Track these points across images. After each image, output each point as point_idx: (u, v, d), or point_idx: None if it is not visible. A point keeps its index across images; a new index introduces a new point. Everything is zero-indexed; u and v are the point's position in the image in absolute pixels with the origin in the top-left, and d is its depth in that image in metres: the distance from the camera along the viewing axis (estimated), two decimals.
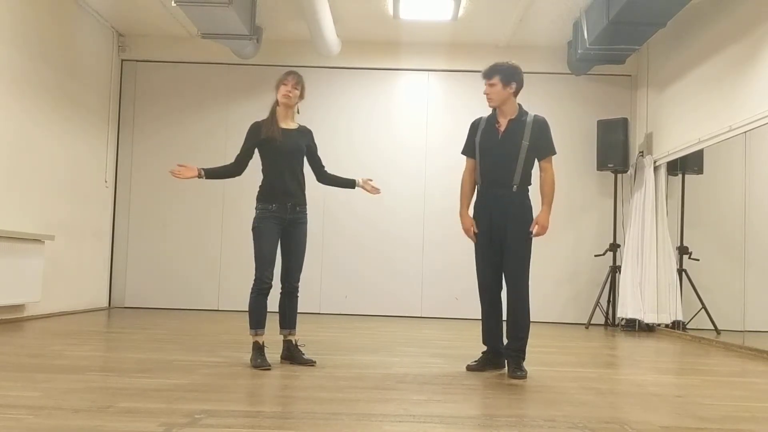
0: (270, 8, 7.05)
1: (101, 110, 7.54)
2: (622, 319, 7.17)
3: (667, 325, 6.79)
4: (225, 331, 5.59)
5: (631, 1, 5.73)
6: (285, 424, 2.45)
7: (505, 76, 3.83)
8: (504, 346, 3.89)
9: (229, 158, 4.02)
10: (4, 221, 5.66)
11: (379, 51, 7.94)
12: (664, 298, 6.77)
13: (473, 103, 6.30)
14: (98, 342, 4.81)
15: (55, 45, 6.45)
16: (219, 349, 4.43)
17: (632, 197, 7.38)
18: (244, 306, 3.89)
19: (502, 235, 3.83)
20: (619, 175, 7.60)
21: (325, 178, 4.15)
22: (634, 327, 7.01)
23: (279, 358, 3.93)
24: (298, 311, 4.03)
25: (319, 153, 4.12)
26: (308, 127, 4.09)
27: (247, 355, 3.85)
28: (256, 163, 3.95)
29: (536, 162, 3.93)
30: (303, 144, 3.98)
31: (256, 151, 3.95)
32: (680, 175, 7.02)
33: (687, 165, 6.87)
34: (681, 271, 6.73)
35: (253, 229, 3.86)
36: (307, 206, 4.00)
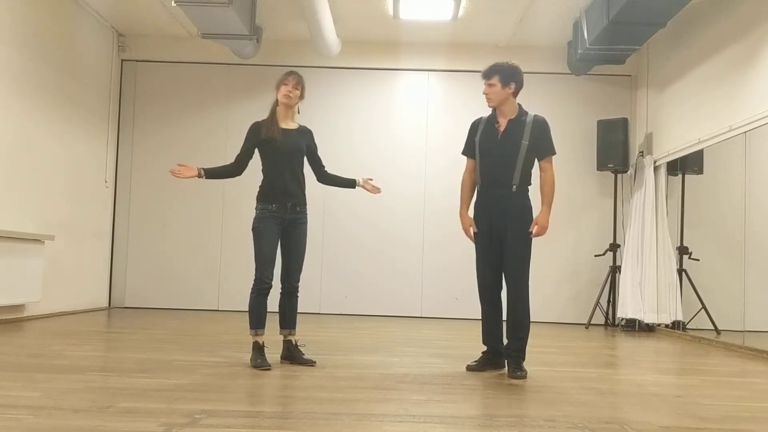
0: (270, 8, 7.05)
1: (101, 110, 7.54)
2: (622, 319, 7.17)
3: (667, 325, 6.79)
4: (225, 331, 5.59)
5: (631, 1, 5.74)
6: (285, 424, 2.45)
7: (504, 76, 3.83)
8: (504, 346, 3.89)
9: (229, 158, 4.02)
10: (4, 221, 5.66)
11: (379, 51, 7.94)
12: (664, 298, 6.77)
13: (473, 103, 6.30)
14: (98, 342, 4.81)
15: (55, 45, 6.45)
16: (219, 349, 4.43)
17: (632, 197, 7.38)
18: (244, 306, 3.89)
19: (502, 235, 3.83)
20: (619, 175, 7.60)
21: (325, 178, 4.15)
22: (634, 327, 7.01)
23: (279, 358, 3.93)
24: (298, 311, 4.03)
25: (319, 153, 4.12)
26: (308, 127, 4.09)
27: (247, 355, 3.85)
28: (256, 163, 3.95)
29: (536, 162, 3.93)
30: (303, 144, 3.98)
31: (256, 151, 3.95)
32: (680, 175, 7.02)
33: (687, 165, 6.87)
34: (681, 271, 6.73)
35: (253, 229, 3.86)
36: (307, 206, 4.00)
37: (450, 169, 6.72)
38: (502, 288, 3.93)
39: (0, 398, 2.72)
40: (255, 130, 3.93)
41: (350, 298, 7.80)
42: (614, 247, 7.41)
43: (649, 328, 6.93)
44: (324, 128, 7.13)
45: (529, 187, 3.89)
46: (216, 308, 7.82)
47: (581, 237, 7.80)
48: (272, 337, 3.94)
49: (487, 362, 3.92)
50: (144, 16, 7.36)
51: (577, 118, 7.83)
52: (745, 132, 5.53)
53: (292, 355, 3.93)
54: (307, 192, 3.99)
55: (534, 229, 3.80)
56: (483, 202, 3.91)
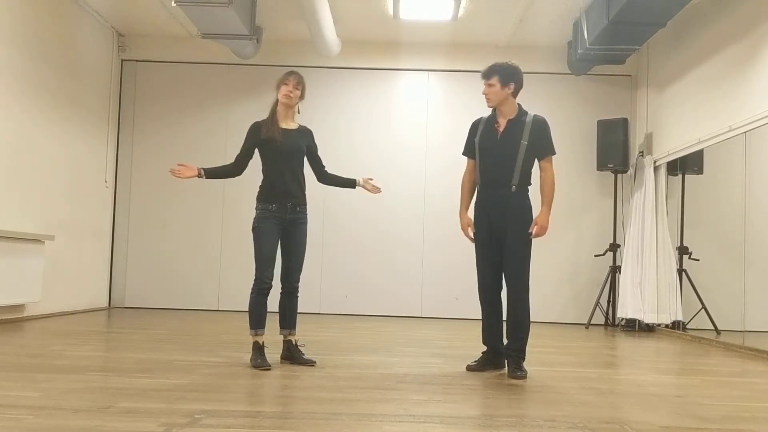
0: (270, 8, 7.05)
1: (101, 110, 7.54)
2: (622, 319, 7.17)
3: (667, 325, 6.79)
4: (225, 331, 5.59)
5: (631, 1, 5.74)
6: (285, 424, 2.45)
7: (504, 76, 3.83)
8: (504, 346, 3.89)
9: (229, 158, 4.02)
10: (4, 221, 5.66)
11: (379, 51, 7.94)
12: (664, 298, 6.77)
13: (473, 103, 6.30)
14: (98, 342, 4.81)
15: (55, 45, 6.45)
16: (219, 349, 4.43)
17: (632, 197, 7.38)
18: (244, 306, 3.89)
19: (501, 235, 3.83)
20: (619, 175, 7.60)
21: (325, 178, 4.15)
22: (634, 327, 7.01)
23: (279, 358, 3.93)
24: (298, 311, 4.03)
25: (319, 153, 4.12)
26: (308, 127, 4.09)
27: (247, 355, 3.85)
28: (256, 163, 3.95)
29: (537, 162, 3.93)
30: (303, 144, 3.98)
31: (256, 151, 3.95)
32: (680, 175, 7.02)
33: (687, 165, 6.87)
34: (681, 271, 6.73)
35: (253, 229, 3.86)
36: (307, 206, 4.00)
37: (450, 169, 6.72)
38: (502, 288, 3.93)
39: (0, 398, 2.72)
40: (255, 130, 3.93)
41: (350, 298, 7.80)
42: (614, 247, 7.41)
43: (649, 328, 6.93)
44: (324, 128, 7.13)
45: (529, 187, 3.89)
46: (216, 308, 7.82)
47: (581, 237, 7.80)
48: (272, 337, 3.94)
49: (487, 362, 3.92)
50: (144, 16, 7.36)
51: (577, 118, 7.83)
52: (745, 132, 5.53)
53: (292, 355, 3.93)
54: (307, 192, 3.99)
55: (534, 230, 3.80)
56: (483, 202, 3.92)
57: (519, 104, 3.93)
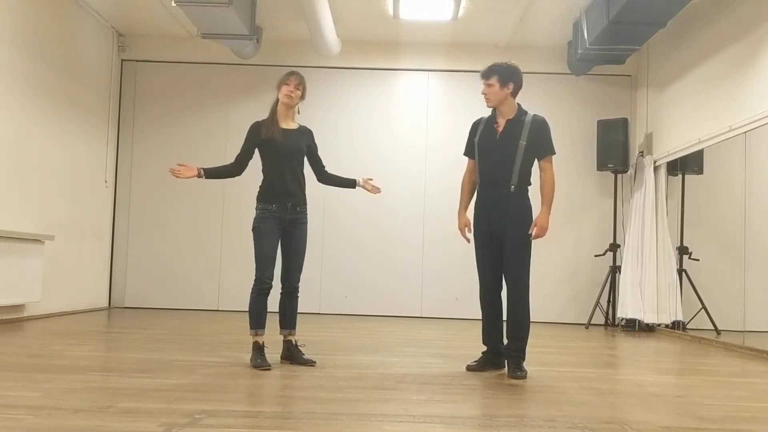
0: (270, 8, 7.05)
1: (101, 110, 7.54)
2: (622, 319, 7.17)
3: (667, 325, 6.78)
4: (225, 331, 5.59)
5: (631, 1, 5.73)
6: (285, 424, 2.45)
7: (503, 76, 3.83)
8: (504, 346, 3.89)
9: (229, 158, 4.02)
10: (4, 221, 5.66)
11: (379, 51, 7.94)
12: (664, 298, 6.77)
13: (473, 103, 6.30)
14: (98, 342, 4.81)
15: (55, 45, 6.45)
16: (219, 349, 4.43)
17: (632, 197, 7.38)
18: (244, 306, 3.89)
19: (501, 236, 3.83)
20: (619, 175, 7.60)
21: (325, 178, 4.15)
22: (634, 327, 7.00)
23: (279, 358, 3.93)
24: (298, 311, 4.03)
25: (319, 153, 4.12)
26: (308, 127, 4.09)
27: (247, 355, 3.85)
28: (256, 163, 3.95)
29: (537, 162, 3.93)
30: (303, 144, 3.98)
31: (257, 151, 3.95)
32: (680, 175, 7.02)
33: (687, 165, 6.87)
34: (681, 271, 6.73)
35: (254, 229, 3.86)
36: (307, 206, 4.00)
37: (450, 169, 6.73)
38: (502, 288, 3.93)
39: (0, 398, 2.72)
40: (255, 130, 3.93)
41: (350, 298, 7.81)
42: (614, 247, 7.41)
43: (649, 328, 6.93)
44: (324, 128, 7.13)
45: (529, 187, 3.89)
46: (216, 308, 7.82)
47: (581, 237, 7.80)
48: (272, 337, 3.94)
49: (487, 362, 3.92)
50: (144, 16, 7.36)
51: (577, 118, 7.83)
52: (745, 132, 5.53)
53: (292, 355, 3.93)
54: (307, 192, 3.99)
55: (533, 231, 3.80)
56: (482, 202, 3.92)
57: (519, 104, 3.93)
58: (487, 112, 4.03)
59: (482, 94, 3.91)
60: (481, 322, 4.00)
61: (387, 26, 7.46)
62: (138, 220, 7.93)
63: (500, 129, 3.88)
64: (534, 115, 3.90)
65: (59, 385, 3.02)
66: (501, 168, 3.84)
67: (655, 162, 7.13)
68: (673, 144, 6.79)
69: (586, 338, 6.19)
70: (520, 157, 3.81)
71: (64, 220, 6.69)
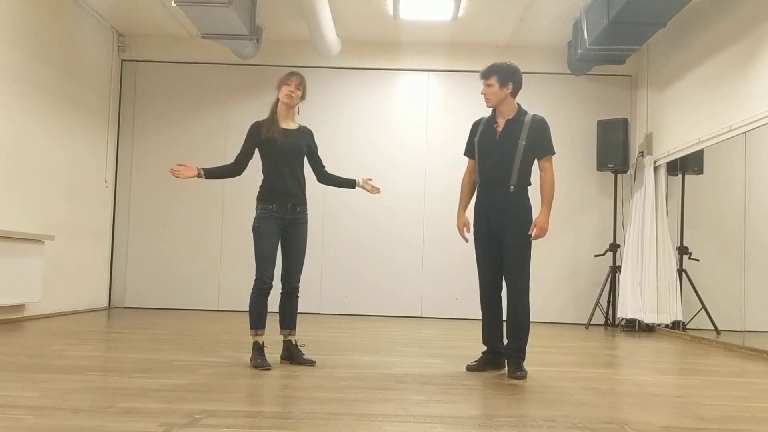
0: (270, 8, 7.05)
1: (101, 110, 7.54)
2: (622, 319, 7.17)
3: (667, 326, 6.78)
4: (225, 331, 5.59)
5: (631, 1, 5.73)
6: (285, 424, 2.45)
7: (502, 76, 3.83)
8: (504, 346, 3.89)
9: (229, 158, 4.02)
10: (4, 221, 5.66)
11: (379, 51, 7.94)
12: (664, 298, 6.77)
13: (473, 103, 6.29)
14: (98, 342, 4.81)
15: (55, 45, 6.45)
16: (219, 349, 4.43)
17: (632, 197, 7.38)
18: (244, 306, 3.89)
19: (500, 236, 3.83)
20: (619, 175, 7.60)
21: (325, 178, 4.15)
22: (634, 327, 7.00)
23: (279, 358, 3.93)
24: (298, 311, 4.02)
25: (319, 153, 4.12)
26: (308, 127, 4.09)
27: (247, 355, 3.85)
28: (256, 163, 3.95)
29: (537, 162, 3.93)
30: (303, 144, 3.98)
31: (257, 151, 3.95)
32: (680, 175, 7.02)
33: (687, 165, 6.87)
34: (681, 271, 6.73)
35: (254, 229, 3.86)
36: (308, 206, 4.00)
37: (450, 169, 6.72)
38: (502, 288, 3.93)
39: (0, 398, 2.72)
40: (255, 129, 3.93)
41: (350, 298, 7.80)
42: (614, 247, 7.41)
43: (649, 328, 6.93)
44: (324, 128, 7.13)
45: (529, 187, 3.89)
46: (216, 308, 7.82)
47: (581, 237, 7.80)
48: (272, 337, 3.94)
49: (487, 362, 3.92)
50: (144, 16, 7.36)
51: (577, 118, 7.83)
52: (745, 132, 5.53)
53: (292, 355, 3.93)
54: (307, 192, 3.99)
55: (533, 231, 3.79)
56: (482, 202, 3.92)
57: (518, 104, 3.93)
58: (487, 113, 4.03)
59: (482, 94, 3.91)
60: (481, 322, 4.00)
61: (387, 26, 7.46)
62: (138, 220, 7.93)
63: (500, 129, 3.88)
64: (534, 115, 3.90)
65: (59, 385, 3.02)
66: (500, 168, 3.84)
67: (655, 162, 7.13)
68: (673, 144, 6.79)
69: (586, 338, 6.19)
70: (519, 157, 3.81)
71: (64, 220, 6.69)
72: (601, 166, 7.54)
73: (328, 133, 7.40)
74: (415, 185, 7.91)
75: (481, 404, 2.99)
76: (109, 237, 7.84)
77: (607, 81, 7.90)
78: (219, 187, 7.70)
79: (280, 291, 3.94)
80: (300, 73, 3.95)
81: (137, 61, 8.02)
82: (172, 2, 6.08)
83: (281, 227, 3.86)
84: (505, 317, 3.91)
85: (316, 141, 4.10)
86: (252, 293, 3.80)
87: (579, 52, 7.04)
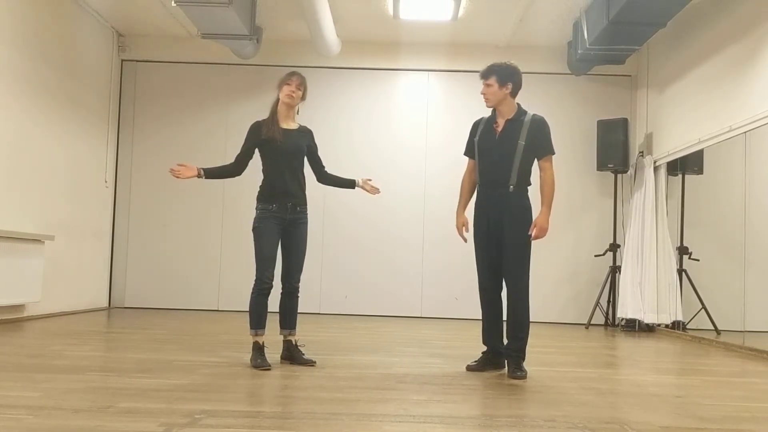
0: (270, 8, 7.05)
1: (101, 110, 7.54)
2: (622, 319, 7.17)
3: (667, 326, 6.78)
4: (225, 331, 5.59)
5: (631, 1, 5.73)
6: (285, 424, 2.45)
7: (501, 76, 3.83)
8: (504, 346, 3.89)
9: (229, 158, 4.02)
10: (4, 221, 5.66)
11: (379, 51, 7.94)
12: (664, 299, 6.77)
13: (473, 104, 6.29)
14: (98, 342, 4.81)
15: (55, 45, 6.45)
16: (219, 349, 4.43)
17: (632, 197, 7.38)
18: (244, 306, 3.89)
19: (500, 236, 3.83)
20: (619, 175, 7.60)
21: (325, 178, 4.15)
22: (634, 327, 7.00)
23: (279, 358, 3.93)
24: (298, 311, 4.02)
25: (319, 153, 4.12)
26: (308, 127, 4.09)
27: (247, 355, 3.85)
28: (256, 163, 3.95)
29: (537, 162, 3.93)
30: (304, 144, 3.98)
31: (257, 151, 3.95)
32: (680, 175, 7.02)
33: (687, 165, 6.87)
34: (681, 271, 6.73)
35: (254, 229, 3.86)
36: (308, 206, 4.00)
37: (450, 169, 6.72)
38: (502, 288, 3.93)
39: (0, 398, 2.72)
40: (255, 129, 3.93)
41: (350, 298, 7.80)
42: (614, 247, 7.41)
43: (649, 328, 6.93)
44: (324, 128, 7.12)
45: (529, 187, 3.89)
46: (216, 308, 7.82)
47: (581, 237, 7.80)
48: (272, 337, 3.94)
49: (487, 362, 3.92)
50: (144, 16, 7.36)
51: (577, 118, 7.83)
52: (745, 132, 5.53)
53: (292, 355, 3.93)
54: (307, 192, 3.99)
55: (533, 231, 3.79)
56: (482, 202, 3.92)
57: (518, 104, 3.92)
58: (487, 113, 4.03)
59: (481, 94, 3.91)
60: (481, 322, 4.00)
61: (387, 26, 7.46)
62: (138, 220, 7.93)
63: (499, 129, 3.89)
64: (533, 115, 3.90)
65: (59, 385, 3.02)
66: (500, 168, 3.84)
67: (655, 162, 7.13)
68: (673, 144, 6.79)
69: (586, 338, 6.19)
70: (518, 157, 3.81)
71: (64, 220, 6.69)
72: (601, 166, 7.54)
73: (328, 133, 7.40)
74: (415, 185, 7.91)
75: (481, 404, 2.99)
76: (109, 237, 7.84)
77: (607, 81, 7.90)
78: (219, 187, 7.70)
79: (281, 291, 3.93)
80: (300, 73, 3.95)
81: (137, 61, 8.02)
82: (172, 2, 6.08)
83: (281, 227, 3.86)
84: (505, 317, 3.91)
85: (316, 141, 4.10)
86: (252, 293, 3.80)
87: (579, 52, 7.04)
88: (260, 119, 3.98)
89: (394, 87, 8.05)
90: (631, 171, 7.53)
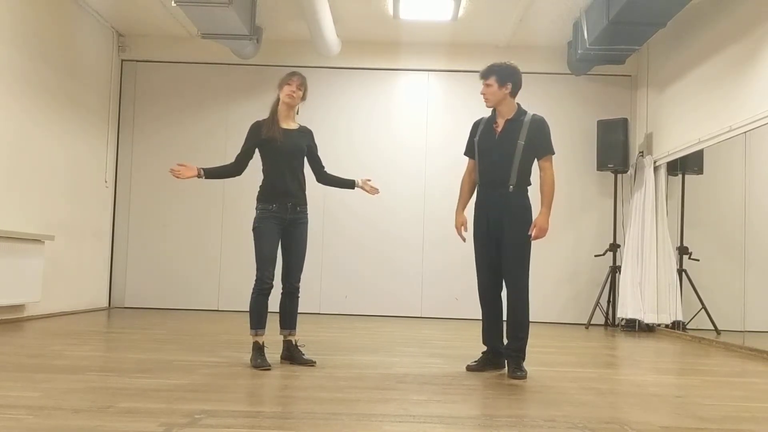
0: (270, 8, 7.05)
1: (101, 110, 7.54)
2: (622, 319, 7.17)
3: (667, 326, 6.78)
4: (225, 331, 5.59)
5: (631, 1, 5.73)
6: (285, 424, 2.45)
7: (501, 76, 3.84)
8: (504, 347, 3.89)
9: (229, 158, 4.02)
10: (4, 221, 5.66)
11: (379, 51, 7.94)
12: (664, 299, 6.77)
13: (473, 104, 6.29)
14: (98, 342, 4.81)
15: (55, 45, 6.45)
16: (219, 349, 4.43)
17: (632, 197, 7.38)
18: (244, 306, 3.89)
19: (500, 236, 3.83)
20: (619, 175, 7.60)
21: (324, 178, 4.15)
22: (634, 327, 7.00)
23: (279, 358, 3.93)
24: (298, 311, 4.02)
25: (319, 153, 4.13)
26: (308, 127, 4.10)
27: (247, 355, 3.85)
28: (256, 163, 3.95)
29: (537, 162, 3.93)
30: (304, 144, 3.98)
31: (257, 151, 3.95)
32: (680, 175, 7.02)
33: (687, 165, 6.87)
34: (681, 271, 6.73)
35: (254, 229, 3.86)
36: (308, 206, 4.00)
37: (450, 169, 6.72)
38: (501, 288, 3.93)
39: (0, 398, 2.72)
40: (256, 129, 3.93)
41: (350, 298, 7.80)
42: (614, 247, 7.41)
43: (649, 328, 6.93)
44: (324, 128, 7.13)
45: (529, 187, 3.89)
46: (216, 308, 7.82)
47: (581, 237, 7.80)
48: (272, 337, 3.94)
49: (487, 362, 3.92)
50: (144, 16, 7.36)
51: (577, 118, 7.83)
52: (745, 132, 5.53)
53: (292, 355, 3.93)
54: (307, 192, 3.99)
55: (533, 231, 3.79)
56: (482, 202, 3.92)
57: (518, 104, 3.93)
58: (487, 113, 4.03)
59: (481, 94, 3.92)
60: (481, 322, 4.00)
61: (387, 26, 7.46)
62: (138, 220, 7.93)
63: (499, 129, 3.89)
64: (533, 115, 3.90)
65: (59, 385, 3.02)
66: (500, 168, 3.84)
67: (655, 162, 7.13)
68: (673, 144, 6.79)
69: (586, 338, 6.19)
70: (518, 157, 3.81)
71: (64, 220, 6.69)
72: (601, 166, 7.54)
73: (328, 133, 7.40)
74: (415, 185, 7.91)
75: (481, 404, 2.99)
76: (109, 237, 7.84)
77: (607, 81, 7.90)
78: (219, 187, 7.70)
79: (281, 291, 3.94)
80: (301, 73, 3.95)
81: (137, 61, 8.02)
82: (172, 2, 6.08)
83: (281, 227, 3.86)
84: (505, 317, 3.91)
85: (316, 141, 4.10)
86: (253, 293, 3.80)
87: (579, 52, 7.04)
88: (260, 119, 3.98)
89: (394, 87, 8.05)
90: (631, 171, 7.53)
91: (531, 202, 3.87)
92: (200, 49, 7.75)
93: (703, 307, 6.37)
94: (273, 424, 2.45)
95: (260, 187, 3.92)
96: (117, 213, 7.94)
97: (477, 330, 4.06)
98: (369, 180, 4.23)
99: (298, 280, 3.95)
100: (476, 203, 3.97)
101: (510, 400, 3.06)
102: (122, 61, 7.98)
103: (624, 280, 7.10)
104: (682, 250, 6.78)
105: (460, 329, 6.45)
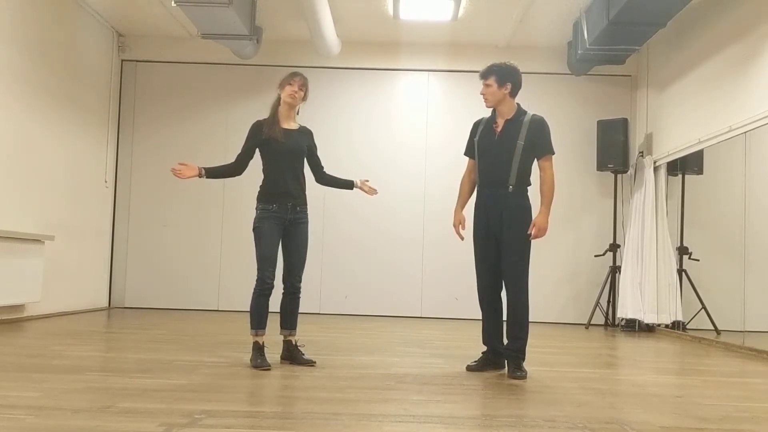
0: (270, 8, 7.05)
1: (101, 110, 7.54)
2: (622, 319, 7.17)
3: (667, 326, 6.78)
4: (225, 332, 5.59)
5: (631, 1, 5.73)
6: (285, 424, 2.45)
7: (501, 76, 3.84)
8: (504, 347, 3.89)
9: (230, 158, 4.02)
10: (4, 221, 5.66)
11: (379, 51, 7.94)
12: (664, 299, 6.77)
13: (473, 104, 6.29)
14: (98, 342, 4.81)
15: (55, 45, 6.45)
16: (219, 349, 4.43)
17: (632, 197, 7.38)
18: (244, 306, 3.89)
19: (499, 236, 3.83)
20: (619, 176, 7.60)
21: (323, 179, 4.15)
22: (634, 327, 7.00)
23: (279, 359, 3.93)
24: (298, 311, 4.02)
25: (319, 153, 4.13)
26: (308, 127, 4.10)
27: (247, 355, 3.85)
28: (256, 162, 3.95)
29: (536, 162, 3.93)
30: (304, 144, 3.98)
31: (257, 150, 3.95)
32: (680, 176, 7.02)
33: (687, 165, 6.87)
34: (681, 271, 6.73)
35: (254, 229, 3.86)
36: (308, 206, 4.00)
37: (450, 169, 6.72)
38: (501, 288, 3.93)
39: (0, 398, 2.72)
40: (256, 129, 3.94)
41: (350, 298, 7.80)
42: (614, 248, 7.41)
43: (649, 329, 6.93)
44: (324, 128, 7.13)
45: (529, 187, 3.89)
46: (216, 308, 7.82)
47: (581, 237, 7.80)
48: (272, 337, 3.94)
49: (487, 362, 3.92)
50: (144, 16, 7.36)
51: (577, 118, 7.83)
52: (745, 132, 5.53)
53: (292, 355, 3.93)
54: (307, 192, 3.99)
55: (532, 231, 3.79)
56: (482, 202, 3.92)
57: (518, 104, 3.93)
58: (486, 113, 4.03)
59: (481, 94, 3.92)
60: (481, 322, 4.00)
61: (387, 26, 7.46)
62: (138, 220, 7.93)
63: (499, 129, 3.89)
64: (533, 115, 3.90)
65: (59, 385, 3.02)
66: (499, 168, 3.84)
67: (655, 162, 7.13)
68: (673, 144, 6.79)
69: (586, 338, 6.19)
70: (518, 157, 3.81)
71: (64, 220, 6.69)
72: (601, 166, 7.54)
73: (328, 133, 7.40)
74: (415, 185, 7.91)
75: (481, 404, 2.99)
76: (109, 237, 7.84)
77: (607, 81, 7.90)
78: (219, 187, 7.70)
79: (282, 291, 3.93)
80: (302, 74, 3.95)
81: (137, 61, 8.02)
82: (172, 2, 6.08)
83: (282, 227, 3.86)
84: (505, 317, 3.91)
85: (316, 141, 4.10)
86: (253, 294, 3.80)
87: (579, 52, 7.05)
88: (261, 119, 3.98)
89: (394, 87, 8.05)
90: (631, 171, 7.53)
91: (531, 202, 3.87)
92: (200, 49, 7.75)
93: (703, 307, 6.37)
94: (273, 424, 2.45)
95: (260, 187, 3.92)
96: (117, 213, 7.94)
97: (477, 330, 4.06)
98: (367, 180, 4.23)
99: (300, 280, 3.95)
100: (476, 203, 3.97)
101: (510, 400, 3.06)
102: (122, 61, 7.98)
103: (624, 280, 7.10)
104: (682, 250, 6.78)
105: (460, 329, 6.44)
